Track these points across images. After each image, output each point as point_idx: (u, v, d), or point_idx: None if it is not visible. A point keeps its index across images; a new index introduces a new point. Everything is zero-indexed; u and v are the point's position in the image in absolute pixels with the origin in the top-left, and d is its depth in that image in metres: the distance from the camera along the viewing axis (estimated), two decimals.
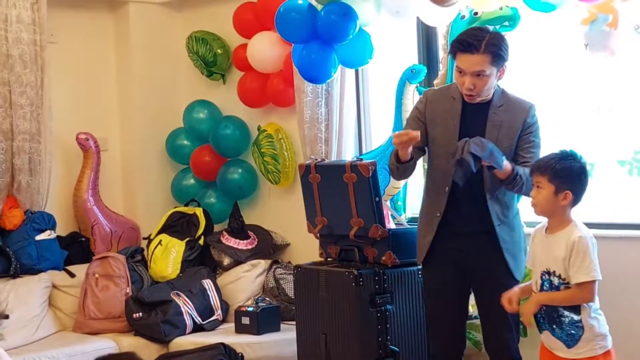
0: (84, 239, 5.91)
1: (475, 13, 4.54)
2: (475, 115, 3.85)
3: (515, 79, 4.44)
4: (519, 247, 3.95)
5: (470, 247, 3.89)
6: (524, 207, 3.95)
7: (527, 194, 3.79)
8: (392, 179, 4.79)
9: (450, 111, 3.90)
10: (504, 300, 3.59)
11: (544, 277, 3.53)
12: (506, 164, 3.70)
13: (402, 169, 3.93)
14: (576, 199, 3.50)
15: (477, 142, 3.65)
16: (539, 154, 3.81)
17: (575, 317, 3.43)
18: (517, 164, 3.81)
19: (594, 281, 3.40)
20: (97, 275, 5.52)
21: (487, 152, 3.63)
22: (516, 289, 3.65)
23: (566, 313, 3.45)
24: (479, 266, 3.91)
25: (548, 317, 3.49)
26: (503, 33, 4.49)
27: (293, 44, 4.99)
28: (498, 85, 3.89)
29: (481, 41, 3.70)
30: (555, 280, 3.50)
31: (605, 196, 4.37)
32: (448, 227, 3.93)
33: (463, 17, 4.59)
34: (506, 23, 4.49)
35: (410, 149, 3.82)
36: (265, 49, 5.57)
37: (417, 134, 3.72)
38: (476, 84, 3.74)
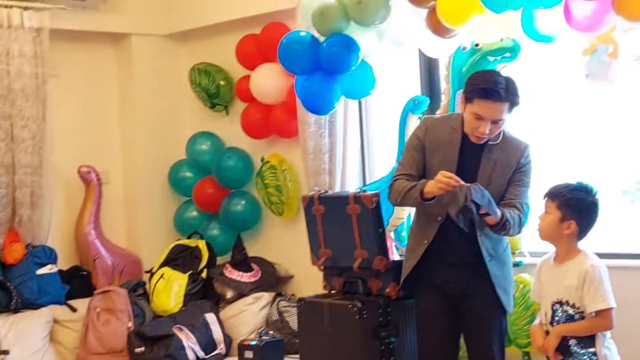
0: (85, 273, 5.88)
1: (477, 44, 4.56)
2: (473, 149, 3.89)
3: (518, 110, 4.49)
4: (509, 281, 3.97)
5: (460, 279, 3.89)
6: (530, 238, 3.93)
7: (513, 235, 3.84)
8: (396, 209, 4.79)
9: (450, 142, 3.92)
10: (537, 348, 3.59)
11: (555, 307, 3.53)
12: (497, 211, 3.71)
13: (423, 205, 3.89)
14: (581, 232, 3.52)
15: (477, 189, 3.66)
16: (527, 194, 3.88)
17: (591, 350, 3.42)
18: (503, 201, 3.85)
19: (611, 309, 3.40)
20: (98, 310, 5.48)
21: (486, 200, 3.65)
22: (537, 328, 3.65)
23: (581, 348, 3.44)
24: (469, 300, 3.91)
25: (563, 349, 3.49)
26: (505, 64, 4.56)
27: (296, 76, 5.00)
28: None
29: (503, 89, 3.74)
30: (570, 310, 3.49)
31: (609, 226, 4.35)
32: (436, 255, 3.93)
33: (464, 48, 4.60)
34: (507, 54, 4.52)
35: None
36: (268, 81, 5.59)
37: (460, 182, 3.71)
38: (492, 129, 3.80)
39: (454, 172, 3.80)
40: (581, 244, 3.60)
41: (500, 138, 3.89)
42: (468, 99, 3.82)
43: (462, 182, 3.68)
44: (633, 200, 4.37)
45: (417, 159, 3.99)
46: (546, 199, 3.62)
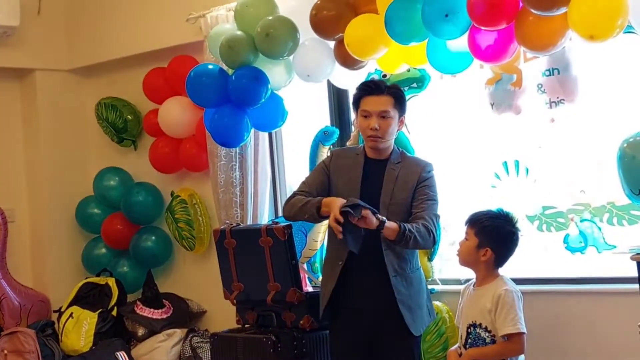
0: None
1: (384, 75, 4.64)
2: (375, 169, 4.00)
3: (423, 137, 4.64)
4: (417, 302, 3.96)
5: (368, 304, 3.90)
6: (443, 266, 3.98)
7: (426, 247, 3.87)
8: (309, 241, 4.81)
9: (353, 165, 4.04)
10: None
11: (469, 329, 3.58)
12: (391, 223, 3.73)
13: (317, 220, 4.01)
14: (498, 259, 3.60)
15: (348, 201, 3.70)
16: (435, 208, 3.93)
17: None
18: (411, 217, 3.90)
19: (522, 333, 3.45)
20: (6, 352, 5.36)
21: (351, 202, 3.66)
22: (452, 352, 3.69)
23: None
24: (376, 322, 3.92)
25: None
26: (412, 95, 4.64)
27: (205, 109, 4.98)
28: (397, 147, 4.07)
29: (383, 84, 3.99)
30: (482, 333, 3.54)
31: (516, 252, 4.43)
32: (349, 274, 3.95)
33: (372, 79, 4.66)
34: (414, 85, 4.60)
35: None
36: (177, 114, 5.55)
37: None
38: (381, 124, 3.91)
39: (358, 191, 3.93)
40: (501, 270, 3.67)
41: (402, 158, 4.02)
42: (355, 104, 4.03)
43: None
44: (540, 225, 4.46)
45: (319, 181, 4.08)
46: (466, 225, 3.69)
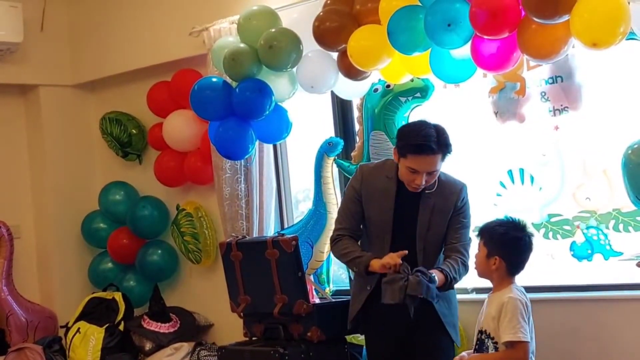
0: None
1: (388, 85, 4.64)
2: (409, 197, 3.93)
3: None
4: (457, 316, 4.04)
5: (405, 319, 3.80)
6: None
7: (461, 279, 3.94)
8: (315, 252, 4.81)
9: (385, 191, 3.97)
10: None
11: (478, 336, 3.59)
12: (440, 277, 3.74)
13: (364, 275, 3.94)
14: (509, 266, 3.59)
15: (416, 282, 3.62)
16: (468, 234, 3.96)
17: None
18: (446, 245, 3.93)
19: (525, 343, 3.44)
20: None
21: (423, 288, 3.61)
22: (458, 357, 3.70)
23: None
24: (421, 339, 3.92)
25: None
26: (416, 104, 4.63)
27: (209, 122, 4.99)
28: None
29: (434, 142, 3.77)
30: (486, 340, 3.54)
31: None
32: (379, 298, 3.92)
33: (376, 89, 4.68)
34: (418, 94, 4.60)
35: None
36: (182, 128, 5.56)
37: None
38: (428, 180, 3.84)
39: (391, 222, 3.90)
40: (517, 278, 3.67)
41: (436, 184, 3.93)
42: (401, 154, 3.85)
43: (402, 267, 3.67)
44: (546, 233, 4.45)
45: (354, 210, 4.04)
46: (477, 236, 3.71)
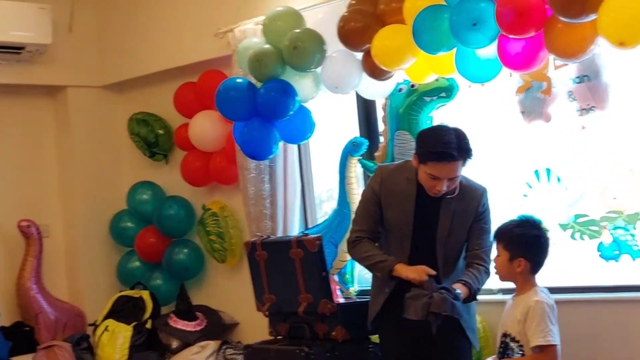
0: (28, 328, 5.82)
1: (412, 85, 4.62)
2: (429, 201, 3.87)
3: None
4: (475, 319, 4.01)
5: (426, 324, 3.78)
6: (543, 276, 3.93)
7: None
8: (339, 252, 4.80)
9: (405, 194, 3.92)
10: None
11: (502, 339, 3.57)
12: (464, 290, 3.72)
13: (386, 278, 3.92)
14: (533, 266, 3.56)
15: (438, 301, 3.60)
16: (489, 240, 3.89)
17: None
18: (467, 252, 3.89)
19: (555, 346, 3.41)
20: None
21: (448, 306, 3.60)
22: None
23: None
24: (440, 342, 3.86)
25: None
26: (441, 104, 4.61)
27: (234, 122, 5.01)
28: None
29: (455, 149, 3.72)
30: (511, 343, 3.52)
31: (549, 260, 4.40)
32: (399, 300, 3.90)
33: (400, 89, 4.66)
34: (443, 94, 4.58)
35: None
36: (207, 128, 5.59)
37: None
38: (449, 185, 3.79)
39: (411, 225, 3.86)
40: (538, 278, 3.64)
41: (457, 189, 3.88)
42: (421, 161, 3.79)
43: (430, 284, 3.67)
44: (573, 234, 4.42)
45: (373, 212, 3.98)
46: (494, 241, 3.67)
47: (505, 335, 3.60)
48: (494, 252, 3.76)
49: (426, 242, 3.88)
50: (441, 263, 3.88)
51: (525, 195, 4.56)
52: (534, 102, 4.38)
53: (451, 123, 4.65)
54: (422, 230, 3.87)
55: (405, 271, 3.77)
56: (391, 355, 4.06)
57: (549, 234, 3.69)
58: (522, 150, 4.59)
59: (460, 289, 3.70)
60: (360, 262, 4.05)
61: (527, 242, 3.56)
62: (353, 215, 4.28)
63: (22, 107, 6.18)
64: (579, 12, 3.54)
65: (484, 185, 4.01)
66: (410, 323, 3.80)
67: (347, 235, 4.09)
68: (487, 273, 3.86)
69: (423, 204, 3.88)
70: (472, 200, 3.90)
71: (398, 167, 4.07)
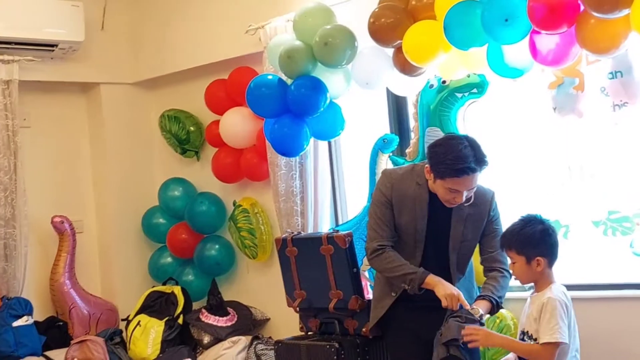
0: (61, 323, 5.86)
1: (444, 81, 4.61)
2: (441, 207, 3.83)
3: (485, 143, 4.51)
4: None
5: (431, 320, 3.77)
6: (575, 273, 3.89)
7: None
8: None
9: (417, 200, 3.87)
10: None
11: (521, 336, 3.56)
12: (485, 304, 3.71)
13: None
14: (550, 261, 3.54)
15: (446, 331, 3.60)
16: None
17: None
18: (482, 255, 3.90)
19: (556, 344, 3.39)
20: None
21: (455, 331, 3.57)
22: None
23: None
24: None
25: None
26: (473, 100, 4.59)
27: (265, 119, 5.02)
28: None
29: (473, 161, 3.65)
30: (528, 341, 3.51)
31: (581, 257, 4.37)
32: (405, 303, 3.92)
33: (432, 86, 4.65)
34: (474, 90, 4.56)
35: None
36: (238, 125, 5.60)
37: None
38: (468, 195, 3.75)
39: (424, 231, 3.83)
40: (556, 275, 3.62)
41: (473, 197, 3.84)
42: (439, 176, 3.71)
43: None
44: (605, 230, 4.39)
45: (389, 217, 3.91)
46: (504, 250, 3.64)
47: (523, 333, 3.58)
48: (507, 260, 3.71)
49: (439, 248, 3.86)
50: (453, 268, 3.87)
51: (557, 192, 4.53)
52: (567, 98, 4.35)
53: (483, 120, 4.67)
54: (434, 236, 3.84)
55: (440, 289, 3.71)
56: (403, 357, 4.00)
57: (551, 223, 3.66)
58: (555, 146, 4.56)
59: (481, 306, 3.69)
60: (384, 272, 3.92)
61: (538, 240, 3.53)
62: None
63: (55, 104, 6.23)
64: (612, 7, 3.50)
65: (493, 189, 3.97)
66: (419, 324, 3.83)
67: (367, 243, 3.98)
68: (507, 276, 3.84)
69: (435, 209, 3.84)
70: (483, 204, 3.87)
71: (406, 172, 3.98)
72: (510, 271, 3.76)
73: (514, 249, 3.55)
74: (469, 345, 3.56)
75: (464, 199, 3.73)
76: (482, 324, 3.65)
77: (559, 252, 3.59)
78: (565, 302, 3.47)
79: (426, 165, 3.81)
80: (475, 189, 3.76)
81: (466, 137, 3.81)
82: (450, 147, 3.70)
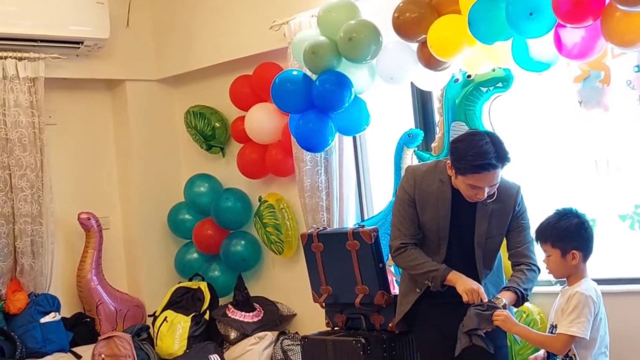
0: (89, 319, 5.89)
1: (469, 76, 4.59)
2: (465, 204, 3.82)
3: (510, 137, 4.49)
4: (514, 316, 3.94)
5: (457, 317, 3.74)
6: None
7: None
8: None
9: (440, 197, 3.87)
10: None
11: (550, 330, 3.55)
12: (510, 295, 3.70)
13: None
14: (586, 254, 3.52)
15: (466, 320, 3.62)
16: (529, 234, 3.85)
17: None
18: (510, 250, 3.87)
19: (572, 337, 3.38)
20: (103, 356, 5.47)
21: (475, 321, 3.59)
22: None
23: None
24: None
25: None
26: (498, 94, 4.57)
27: (290, 114, 5.03)
28: None
29: (494, 157, 3.64)
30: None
31: (608, 251, 4.35)
32: (429, 299, 3.92)
33: (457, 80, 4.64)
34: (499, 84, 4.54)
35: None
36: (263, 120, 5.61)
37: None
38: (490, 191, 3.73)
39: (447, 228, 3.83)
40: (589, 269, 3.60)
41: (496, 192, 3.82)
42: (460, 172, 3.71)
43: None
44: (632, 224, 4.36)
45: (413, 215, 3.92)
46: (539, 242, 3.62)
47: (552, 326, 3.57)
48: (542, 254, 3.68)
49: (463, 245, 3.85)
50: (480, 265, 3.86)
51: (584, 186, 4.50)
52: (592, 91, 4.33)
53: (508, 113, 4.65)
54: (458, 233, 3.83)
55: (460, 285, 3.73)
56: (428, 354, 4.02)
57: (587, 217, 3.64)
58: (581, 140, 4.53)
59: (506, 297, 3.68)
60: (408, 270, 3.95)
61: (574, 233, 3.51)
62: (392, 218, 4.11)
63: (81, 101, 6.27)
64: (637, 1, 3.48)
65: (518, 183, 3.95)
66: (446, 320, 3.81)
67: (390, 241, 4.00)
68: (535, 270, 3.82)
69: (459, 206, 3.83)
70: (509, 198, 3.85)
71: (430, 169, 3.98)
72: (539, 266, 3.75)
73: (549, 242, 3.53)
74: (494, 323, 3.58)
75: (485, 195, 3.72)
76: (490, 309, 3.62)
77: (594, 246, 3.58)
78: (594, 298, 3.44)
79: (448, 162, 3.81)
80: (497, 185, 3.74)
81: (488, 133, 3.80)
82: (472, 143, 3.69)
